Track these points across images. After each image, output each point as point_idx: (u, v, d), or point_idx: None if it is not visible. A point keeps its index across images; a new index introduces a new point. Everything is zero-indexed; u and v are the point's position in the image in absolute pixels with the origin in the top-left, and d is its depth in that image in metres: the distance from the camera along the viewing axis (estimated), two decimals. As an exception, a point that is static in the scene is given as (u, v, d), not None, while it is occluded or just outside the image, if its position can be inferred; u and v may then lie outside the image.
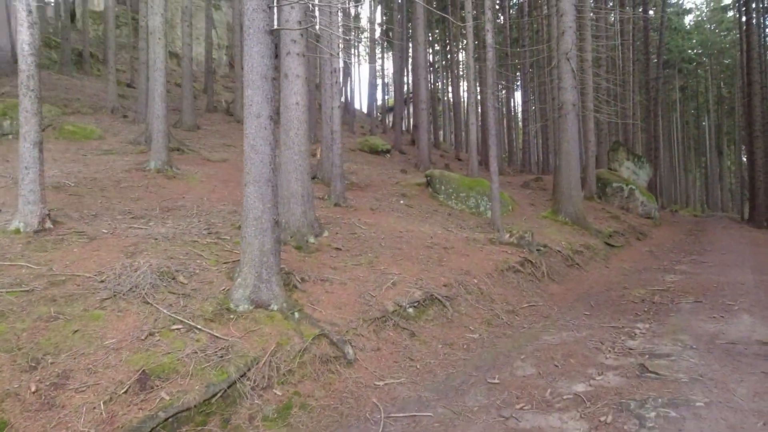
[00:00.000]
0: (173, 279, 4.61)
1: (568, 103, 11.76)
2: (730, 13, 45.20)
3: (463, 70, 34.55)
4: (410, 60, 32.93)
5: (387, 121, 41.63)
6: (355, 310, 4.90)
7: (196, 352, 3.53)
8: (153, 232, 6.08)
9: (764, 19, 30.08)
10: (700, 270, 9.32)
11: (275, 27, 4.67)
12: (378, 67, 47.25)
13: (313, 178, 12.53)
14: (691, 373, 3.94)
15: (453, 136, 35.79)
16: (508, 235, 8.45)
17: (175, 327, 3.79)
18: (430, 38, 43.45)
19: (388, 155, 21.77)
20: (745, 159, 31.11)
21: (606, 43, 21.83)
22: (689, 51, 50.62)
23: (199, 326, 3.86)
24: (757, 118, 23.50)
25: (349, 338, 4.42)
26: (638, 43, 31.14)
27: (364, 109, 46.08)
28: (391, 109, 52.58)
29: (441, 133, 52.20)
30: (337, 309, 4.85)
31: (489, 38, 10.20)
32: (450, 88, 39.07)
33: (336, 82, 10.40)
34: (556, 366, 4.27)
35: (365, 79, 56.82)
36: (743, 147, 33.55)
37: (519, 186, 18.77)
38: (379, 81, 43.78)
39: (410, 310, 5.25)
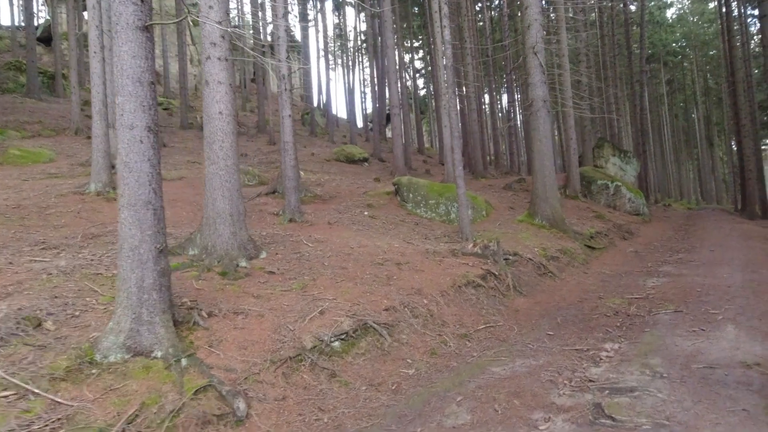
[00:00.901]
0: (38, 326, 3.84)
1: (538, 100, 11.08)
2: (711, 5, 45.02)
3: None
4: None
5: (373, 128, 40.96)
6: (264, 348, 4.14)
7: (14, 429, 2.76)
8: (51, 266, 5.32)
9: (745, 9, 29.73)
10: (686, 270, 8.58)
11: (149, 22, 3.96)
12: (366, 75, 46.82)
13: (273, 192, 11.82)
14: (656, 416, 3.18)
15: (438, 141, 35.13)
16: (471, 245, 7.71)
17: (3, 394, 3.02)
18: (415, 45, 43.07)
19: (366, 164, 21.10)
20: (735, 148, 30.54)
21: (586, 32, 21.27)
22: (673, 44, 50.31)
23: (37, 390, 3.09)
24: (743, 107, 22.95)
25: (246, 387, 3.65)
26: (619, 38, 30.67)
27: (358, 119, 45.60)
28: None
29: (429, 138, 51.67)
30: (242, 349, 4.08)
31: (447, 34, 9.54)
32: (434, 94, 38.51)
33: (286, 90, 9.71)
34: (497, 410, 3.50)
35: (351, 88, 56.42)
36: (733, 137, 33.02)
37: (501, 188, 18.06)
38: (367, 89, 43.22)
39: (336, 344, 4.49)
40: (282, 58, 9.66)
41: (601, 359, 4.41)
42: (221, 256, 6.05)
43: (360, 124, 42.99)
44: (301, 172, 16.29)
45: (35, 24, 32.82)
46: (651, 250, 11.55)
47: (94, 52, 9.76)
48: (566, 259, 9.11)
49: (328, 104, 35.17)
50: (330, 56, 48.33)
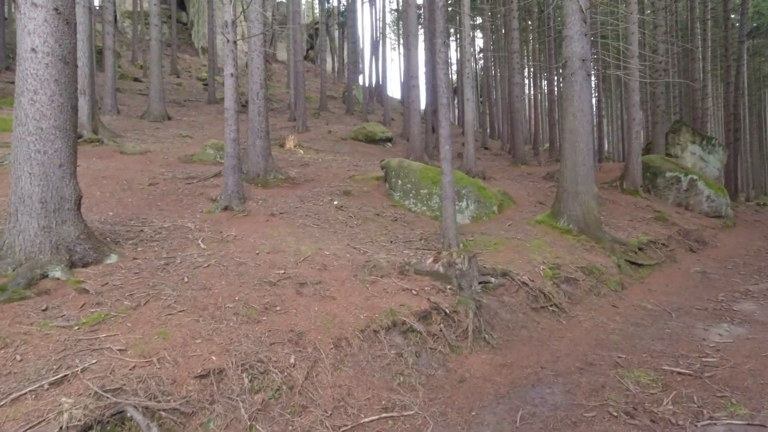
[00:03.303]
0: None
1: (574, 58, 8.12)
2: (842, -36, 36.96)
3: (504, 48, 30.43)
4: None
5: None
6: None
7: None
8: None
9: None
10: (780, 315, 5.54)
11: None
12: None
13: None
14: None
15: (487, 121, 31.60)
16: (431, 260, 5.23)
17: None
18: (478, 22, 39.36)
19: (389, 144, 18.71)
20: None
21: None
22: (786, 15, 42.26)
23: None
24: None
25: None
26: (714, 4, 25.35)
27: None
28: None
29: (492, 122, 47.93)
30: None
31: (438, -38, 6.91)
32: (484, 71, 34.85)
33: (230, 41, 7.59)
34: None
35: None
36: None
37: (540, 178, 15.00)
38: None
39: (23, 461, 2.36)
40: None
41: None
42: (19, 261, 4.11)
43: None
44: (300, 151, 14.30)
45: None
46: (727, 271, 8.31)
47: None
48: (589, 282, 6.32)
49: (377, 81, 32.91)
50: (386, 32, 45.74)
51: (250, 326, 3.79)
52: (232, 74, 7.58)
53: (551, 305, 5.43)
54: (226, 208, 7.37)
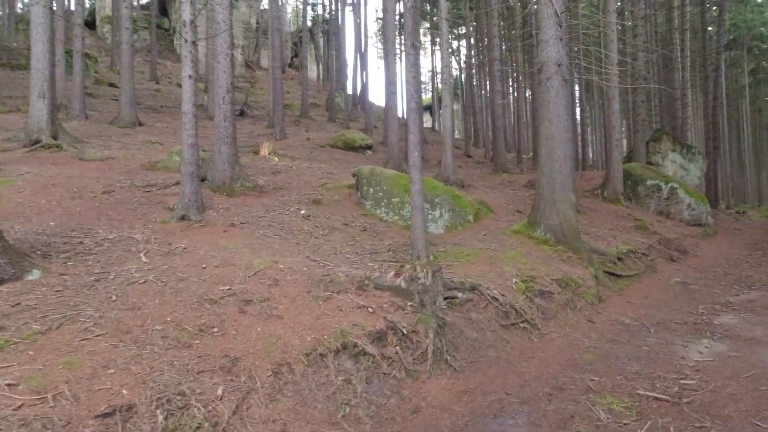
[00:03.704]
0: None
1: (549, 63, 7.87)
2: (813, -21, 38.05)
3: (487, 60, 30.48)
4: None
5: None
6: None
7: None
8: None
9: None
10: (762, 329, 5.26)
11: None
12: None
13: (202, 180, 9.39)
14: None
15: (471, 129, 31.43)
16: (392, 274, 4.84)
17: None
18: (462, 32, 39.42)
19: (369, 152, 18.36)
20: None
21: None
22: (761, 28, 43.20)
23: None
24: None
25: None
26: (692, 18, 25.63)
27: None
28: (428, 107, 48.47)
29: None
30: None
31: (407, -40, 6.62)
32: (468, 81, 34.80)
33: (188, 41, 7.18)
34: None
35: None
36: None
37: (521, 186, 14.74)
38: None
39: None
40: (184, -2, 7.13)
41: None
42: None
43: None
44: (275, 158, 13.87)
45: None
46: (708, 281, 8.07)
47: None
48: (564, 295, 5.98)
49: (361, 88, 32.60)
50: (368, 40, 45.67)
51: (177, 352, 3.35)
52: (190, 76, 7.15)
53: (522, 321, 5.07)
54: (182, 218, 6.90)
